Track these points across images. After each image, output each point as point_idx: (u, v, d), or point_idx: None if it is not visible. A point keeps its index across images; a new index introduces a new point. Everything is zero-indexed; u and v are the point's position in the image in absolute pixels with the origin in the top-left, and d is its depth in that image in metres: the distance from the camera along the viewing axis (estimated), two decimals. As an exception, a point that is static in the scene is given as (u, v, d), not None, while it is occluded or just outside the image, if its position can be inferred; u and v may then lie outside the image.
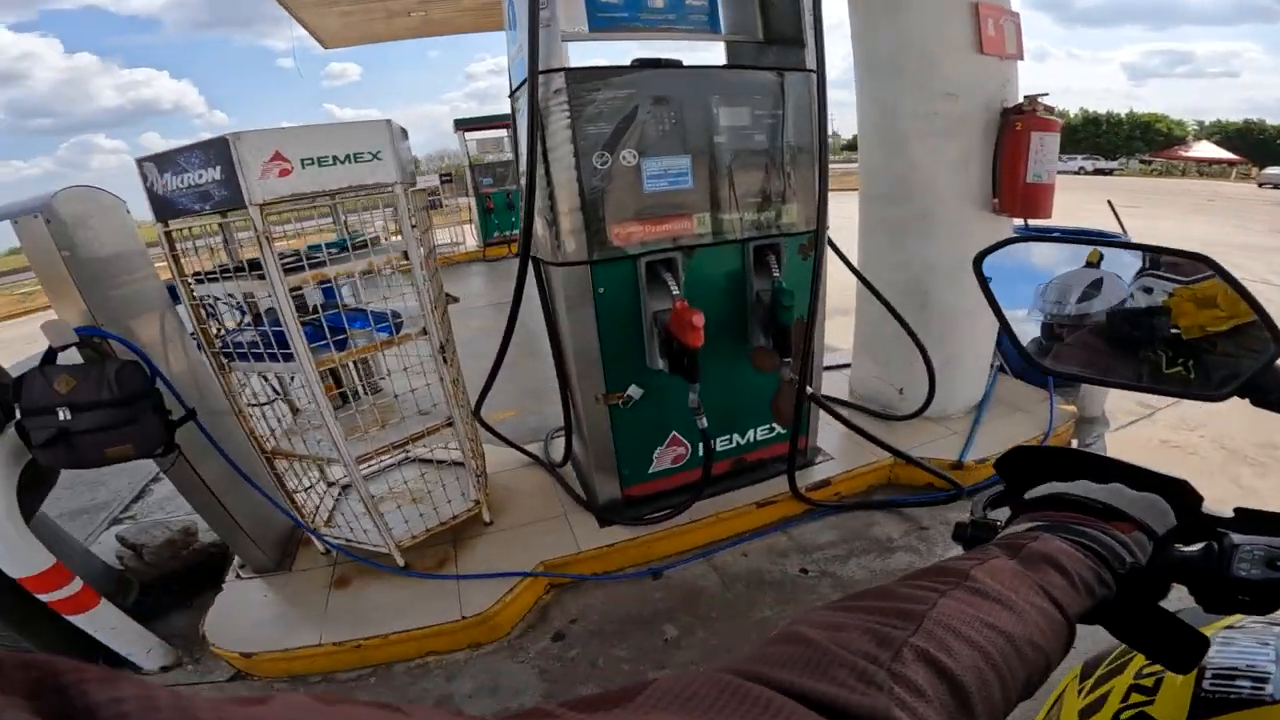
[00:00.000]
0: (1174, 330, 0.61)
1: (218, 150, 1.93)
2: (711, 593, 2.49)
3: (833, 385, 3.78)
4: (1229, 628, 0.70)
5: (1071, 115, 57.07)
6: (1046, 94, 2.94)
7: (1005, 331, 0.71)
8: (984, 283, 0.70)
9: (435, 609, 2.33)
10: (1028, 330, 0.72)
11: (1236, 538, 0.56)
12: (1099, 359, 0.68)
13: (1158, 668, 0.68)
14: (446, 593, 2.40)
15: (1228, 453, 3.38)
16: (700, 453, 2.55)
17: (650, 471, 2.71)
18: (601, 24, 2.35)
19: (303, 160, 1.95)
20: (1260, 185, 31.90)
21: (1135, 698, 0.67)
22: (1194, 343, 0.62)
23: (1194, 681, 0.64)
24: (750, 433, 2.82)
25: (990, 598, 0.44)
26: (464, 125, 11.16)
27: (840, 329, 3.87)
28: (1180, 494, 0.59)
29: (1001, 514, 0.64)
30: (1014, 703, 0.41)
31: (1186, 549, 0.57)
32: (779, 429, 2.82)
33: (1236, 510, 0.59)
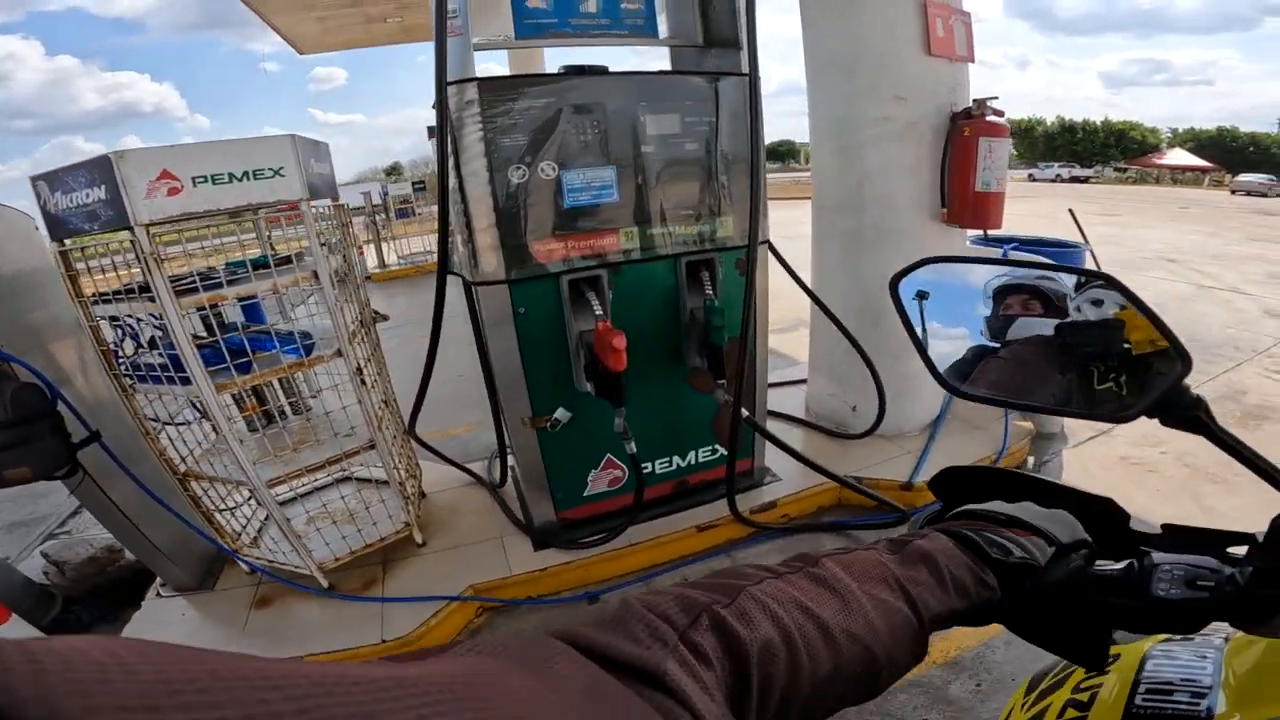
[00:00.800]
0: (1125, 345, 0.59)
1: (101, 169, 1.83)
2: (651, 620, 2.39)
3: (791, 402, 3.70)
4: (1168, 640, 0.69)
5: (1049, 123, 57.90)
6: (996, 97, 2.87)
7: (919, 352, 0.69)
8: (899, 304, 0.69)
9: (356, 631, 2.27)
10: (961, 348, 0.70)
11: (1158, 556, 0.55)
12: (1020, 378, 0.66)
13: (1094, 682, 0.69)
14: (370, 615, 2.34)
15: (1190, 470, 3.31)
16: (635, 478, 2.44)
17: (585, 494, 2.60)
18: (528, 30, 2.25)
19: (194, 178, 1.85)
20: (1233, 192, 32.51)
21: (1070, 713, 0.67)
22: (1127, 360, 0.61)
23: (1127, 696, 0.63)
24: (691, 454, 2.72)
25: (824, 584, 0.44)
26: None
27: (803, 342, 3.79)
28: (1105, 511, 0.59)
29: None
30: (814, 688, 0.40)
31: (1109, 567, 0.56)
32: (722, 450, 2.73)
33: (1164, 527, 0.59)
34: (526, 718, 0.24)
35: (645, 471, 2.60)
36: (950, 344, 0.70)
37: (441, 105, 1.93)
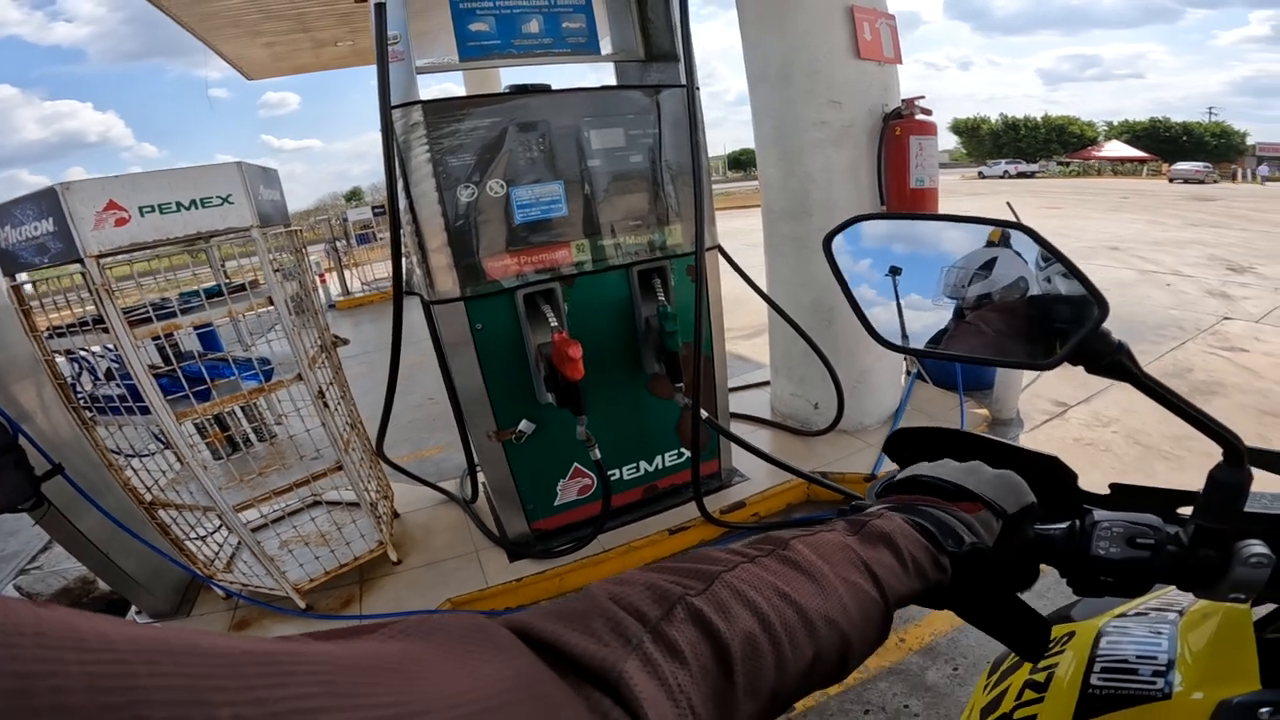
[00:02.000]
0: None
1: (48, 201, 1.82)
2: (627, 625, 2.42)
3: (756, 403, 3.77)
4: (1122, 615, 0.69)
5: (993, 121, 59.67)
6: (922, 96, 2.99)
7: (853, 308, 0.67)
8: (833, 263, 0.68)
9: (334, 651, 2.23)
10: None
11: (1099, 514, 0.55)
12: (955, 336, 0.65)
13: (1050, 661, 0.68)
14: (347, 633, 2.31)
15: (1142, 448, 3.46)
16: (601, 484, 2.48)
17: (556, 504, 2.63)
18: (472, 53, 2.29)
19: (141, 208, 1.85)
20: (1171, 180, 33.90)
21: (1028, 694, 0.67)
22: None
23: (1083, 675, 0.62)
24: (659, 459, 2.76)
25: (798, 568, 0.42)
26: (395, 157, 11.00)
27: (765, 346, 3.87)
28: (1053, 470, 0.59)
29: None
30: (796, 677, 0.38)
31: (1051, 527, 0.55)
32: (689, 454, 2.77)
33: (1112, 486, 0.58)
34: (420, 713, 0.21)
35: (614, 478, 2.63)
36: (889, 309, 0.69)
37: (387, 129, 1.96)
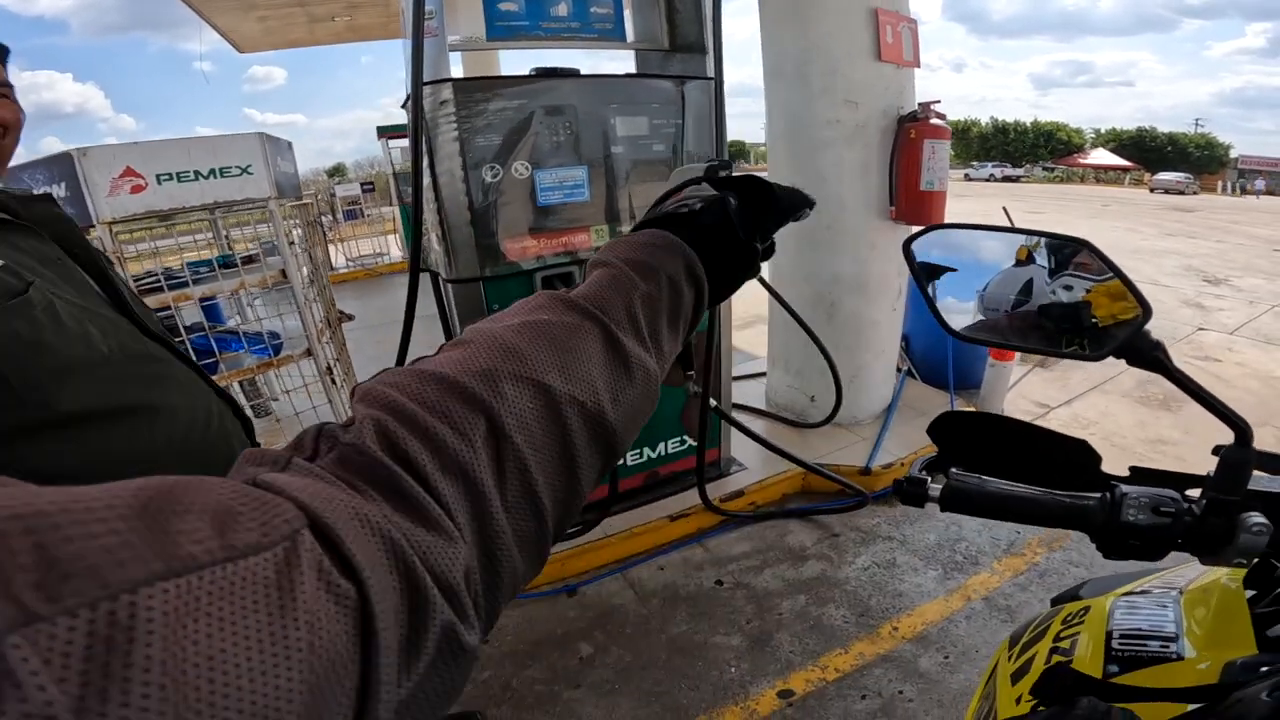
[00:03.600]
0: (1093, 320, 0.68)
1: (62, 166, 1.78)
2: (627, 608, 2.45)
3: (751, 394, 3.81)
4: (1129, 594, 0.77)
5: (983, 124, 60.18)
6: (938, 101, 3.02)
7: (928, 304, 0.77)
8: (912, 263, 0.77)
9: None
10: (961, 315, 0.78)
11: (1126, 488, 0.62)
12: (1008, 333, 0.76)
13: (1074, 629, 0.76)
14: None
15: (1118, 449, 3.56)
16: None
17: (560, 489, 2.64)
18: (500, 32, 2.27)
19: (159, 176, 1.81)
20: (1152, 190, 34.62)
21: (1056, 658, 0.74)
22: (1092, 326, 0.70)
23: (1104, 641, 0.70)
24: (661, 446, 2.79)
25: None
26: (387, 132, 10.79)
27: (761, 337, 3.91)
28: (1082, 453, 0.67)
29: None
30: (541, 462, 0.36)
31: (1086, 496, 0.63)
32: (691, 442, 2.81)
33: (1131, 469, 0.68)
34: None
35: (618, 464, 2.66)
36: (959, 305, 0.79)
37: (417, 105, 1.94)
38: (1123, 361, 0.64)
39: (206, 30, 6.53)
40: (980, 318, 0.77)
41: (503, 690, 2.13)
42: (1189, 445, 3.51)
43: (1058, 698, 0.66)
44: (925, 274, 0.77)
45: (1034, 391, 4.45)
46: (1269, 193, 35.57)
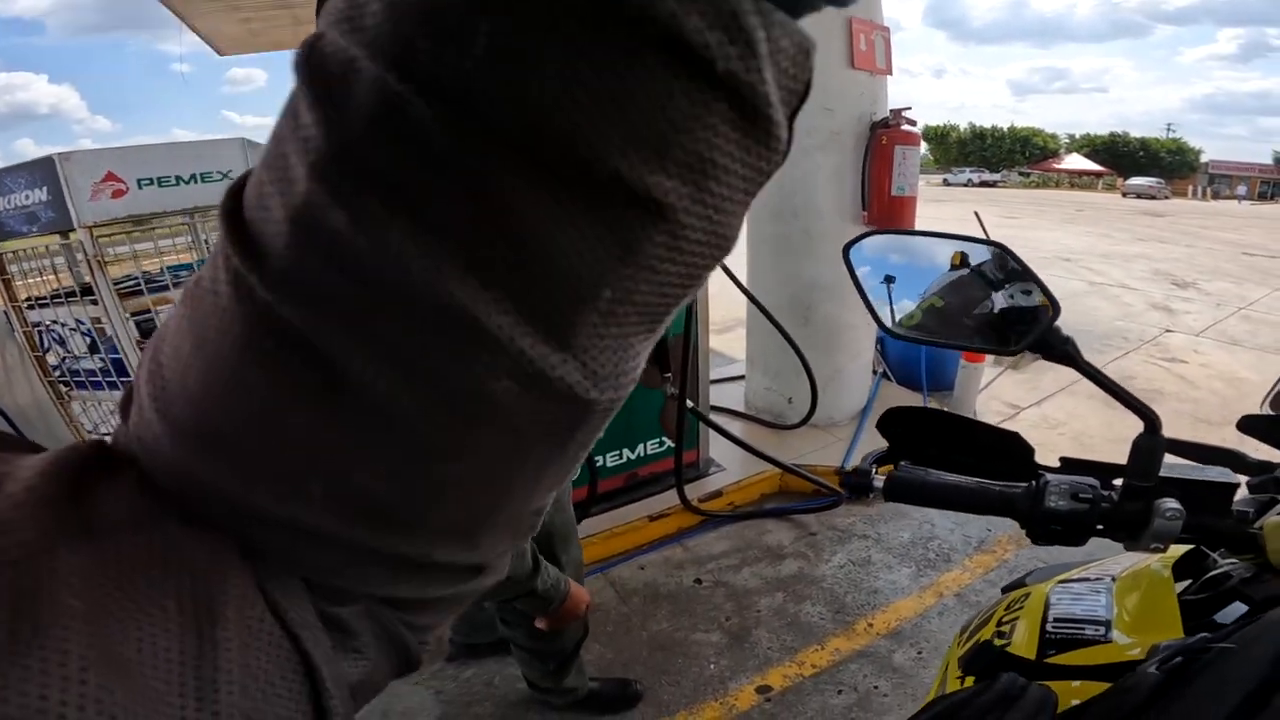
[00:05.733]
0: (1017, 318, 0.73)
1: (44, 170, 1.79)
2: (608, 607, 2.48)
3: (731, 396, 3.86)
4: (1066, 581, 0.82)
5: (962, 130, 61.01)
6: (909, 108, 3.10)
7: (866, 305, 0.81)
8: (851, 269, 0.81)
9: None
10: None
11: (1051, 477, 0.66)
12: (942, 327, 0.79)
13: (1015, 615, 0.80)
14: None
15: (1085, 449, 3.66)
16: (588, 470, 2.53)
17: (540, 491, 2.67)
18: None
19: (140, 180, 1.83)
20: (1124, 195, 35.32)
21: (997, 642, 0.79)
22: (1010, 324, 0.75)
23: (1039, 625, 0.74)
24: (641, 447, 2.82)
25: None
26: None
27: (741, 341, 3.97)
28: (1015, 445, 0.72)
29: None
30: None
31: (1013, 486, 0.67)
32: (670, 443, 2.85)
33: (1062, 459, 0.72)
34: None
35: (597, 465, 2.69)
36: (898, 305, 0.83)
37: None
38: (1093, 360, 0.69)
39: (186, 33, 6.45)
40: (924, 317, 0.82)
41: (485, 687, 2.15)
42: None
43: (984, 674, 0.70)
44: (863, 276, 0.81)
45: (1005, 393, 4.56)
46: (1263, 198, 36.50)
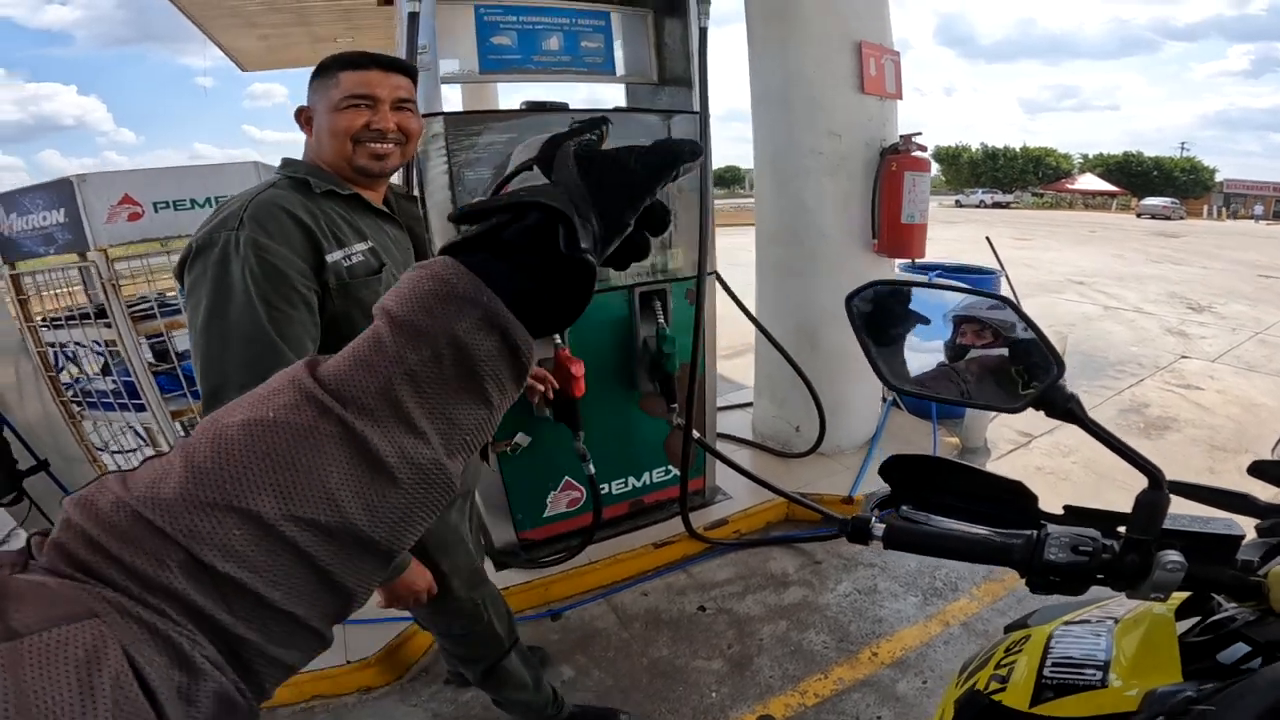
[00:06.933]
0: (1021, 375, 0.73)
1: (62, 192, 1.82)
2: (609, 633, 2.47)
3: (739, 423, 3.85)
4: (1069, 623, 0.81)
5: (973, 150, 60.90)
6: (920, 133, 3.10)
7: (867, 356, 0.80)
8: (852, 318, 0.80)
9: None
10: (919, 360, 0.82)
11: (1052, 528, 0.67)
12: (944, 382, 0.79)
13: (1012, 659, 0.80)
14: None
15: (1097, 476, 3.62)
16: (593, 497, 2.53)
17: (545, 515, 2.66)
18: (492, 65, 2.33)
19: (155, 203, 1.86)
20: (1139, 215, 35.08)
21: (993, 685, 0.78)
22: (1013, 381, 0.74)
23: (1036, 670, 0.74)
24: (646, 475, 2.82)
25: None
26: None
27: (747, 368, 3.96)
28: (1018, 493, 0.72)
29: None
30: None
31: (1013, 534, 0.67)
32: (675, 471, 2.84)
33: (1065, 508, 0.72)
34: None
35: (603, 492, 2.68)
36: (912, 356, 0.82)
37: (409, 139, 1.99)
38: (1106, 393, 0.69)
39: (210, 47, 6.61)
40: (928, 369, 0.81)
41: (484, 710, 2.14)
42: (1165, 472, 3.55)
43: None
44: (866, 328, 0.81)
45: (1017, 421, 4.50)
46: (1278, 217, 36.27)
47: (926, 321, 0.81)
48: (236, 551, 0.32)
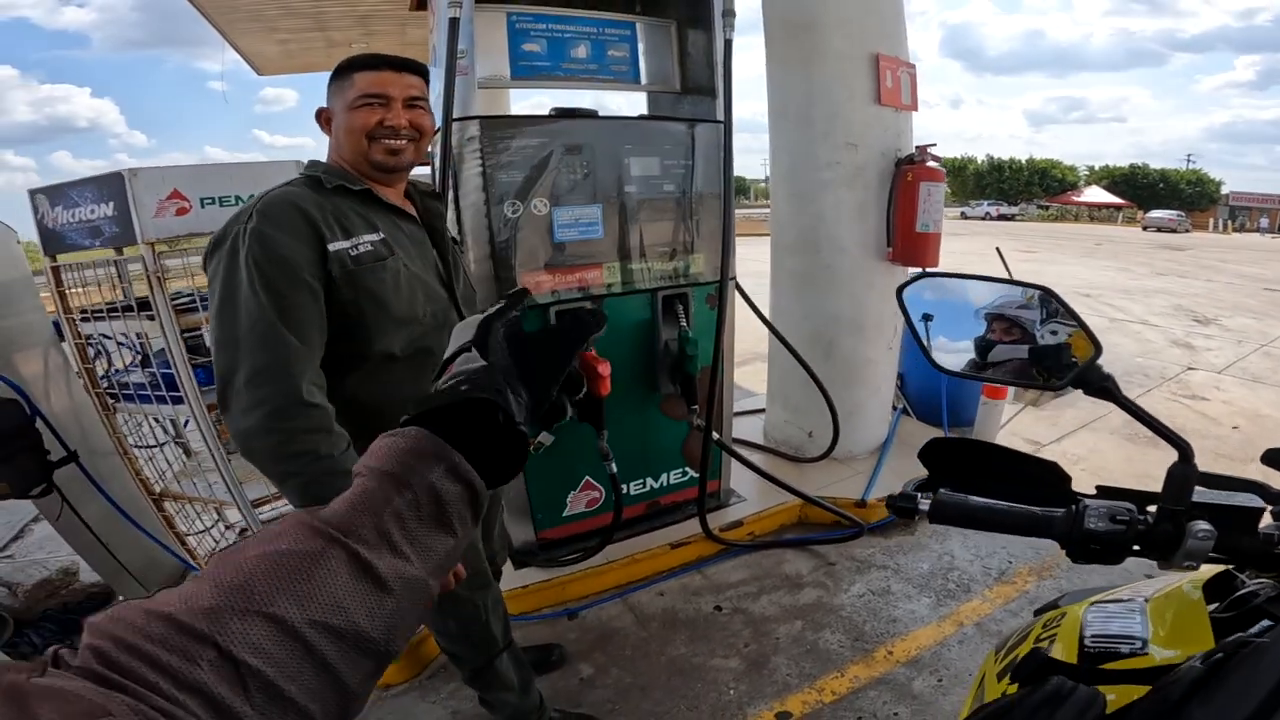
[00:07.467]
0: (1073, 359, 0.80)
1: (112, 186, 1.88)
2: (626, 632, 2.50)
3: (750, 429, 3.88)
4: (1100, 602, 0.85)
5: (979, 162, 60.87)
6: (934, 144, 3.15)
7: (918, 343, 0.88)
8: (904, 308, 0.88)
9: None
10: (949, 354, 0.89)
11: (1089, 501, 0.71)
12: (993, 369, 0.87)
13: (1052, 632, 0.84)
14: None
15: (1105, 483, 3.65)
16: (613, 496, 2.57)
17: (564, 515, 2.71)
18: (523, 72, 2.40)
19: (203, 199, 1.92)
20: (1144, 228, 35.05)
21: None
22: (1055, 362, 0.82)
23: (1077, 641, 0.78)
24: (664, 476, 2.86)
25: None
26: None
27: (759, 375, 4.00)
28: (1054, 473, 0.75)
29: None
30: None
31: (1055, 510, 0.71)
32: (692, 473, 2.88)
33: (1098, 487, 0.77)
34: None
35: (622, 493, 2.73)
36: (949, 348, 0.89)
37: (445, 139, 2.05)
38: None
39: (227, 50, 6.67)
40: (969, 356, 0.88)
41: (503, 709, 2.18)
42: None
43: (1030, 679, 0.72)
44: (916, 317, 0.88)
45: (1025, 429, 4.56)
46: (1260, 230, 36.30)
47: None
48: (263, 649, 0.38)
